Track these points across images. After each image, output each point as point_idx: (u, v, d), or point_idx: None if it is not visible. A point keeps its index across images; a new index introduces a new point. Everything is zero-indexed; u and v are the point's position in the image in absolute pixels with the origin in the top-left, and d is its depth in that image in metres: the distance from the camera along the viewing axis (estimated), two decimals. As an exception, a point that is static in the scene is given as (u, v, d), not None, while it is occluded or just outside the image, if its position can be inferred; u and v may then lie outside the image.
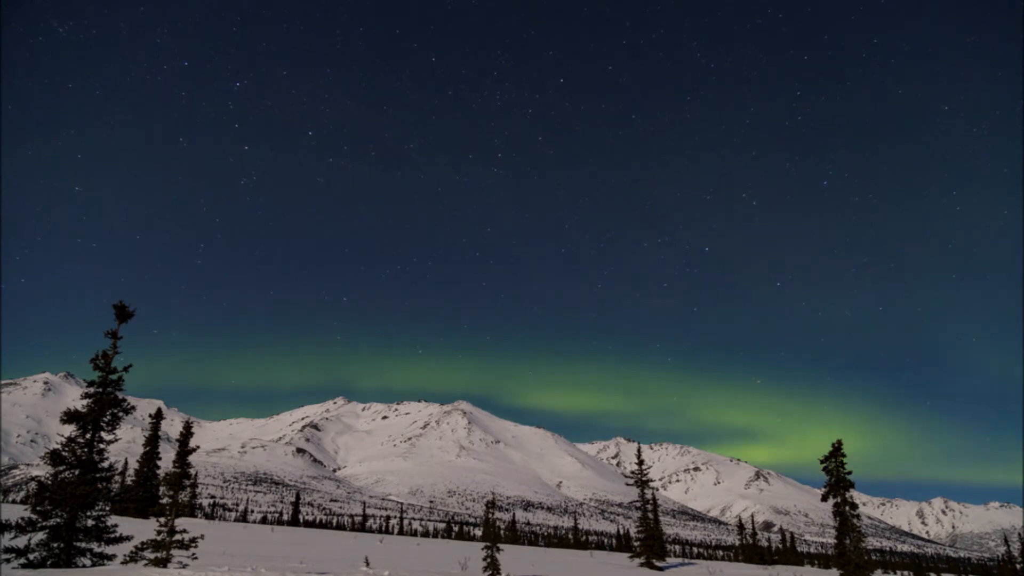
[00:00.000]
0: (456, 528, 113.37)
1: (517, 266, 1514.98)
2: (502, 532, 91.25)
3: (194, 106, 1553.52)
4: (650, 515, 41.96)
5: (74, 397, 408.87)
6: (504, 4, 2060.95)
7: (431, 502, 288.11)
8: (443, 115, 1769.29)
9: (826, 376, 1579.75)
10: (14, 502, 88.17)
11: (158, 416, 50.50)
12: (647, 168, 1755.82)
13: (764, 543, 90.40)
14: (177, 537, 14.97)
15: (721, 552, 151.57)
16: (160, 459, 50.41)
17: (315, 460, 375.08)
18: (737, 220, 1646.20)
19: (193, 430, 43.96)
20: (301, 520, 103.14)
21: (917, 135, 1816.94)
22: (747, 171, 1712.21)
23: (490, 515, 23.81)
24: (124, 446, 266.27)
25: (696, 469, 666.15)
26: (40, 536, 14.42)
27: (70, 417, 15.20)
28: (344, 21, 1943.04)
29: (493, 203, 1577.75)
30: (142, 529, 25.21)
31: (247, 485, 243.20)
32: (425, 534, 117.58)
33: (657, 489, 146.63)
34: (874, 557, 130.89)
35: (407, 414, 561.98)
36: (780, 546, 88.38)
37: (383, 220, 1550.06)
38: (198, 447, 32.69)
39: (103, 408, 15.33)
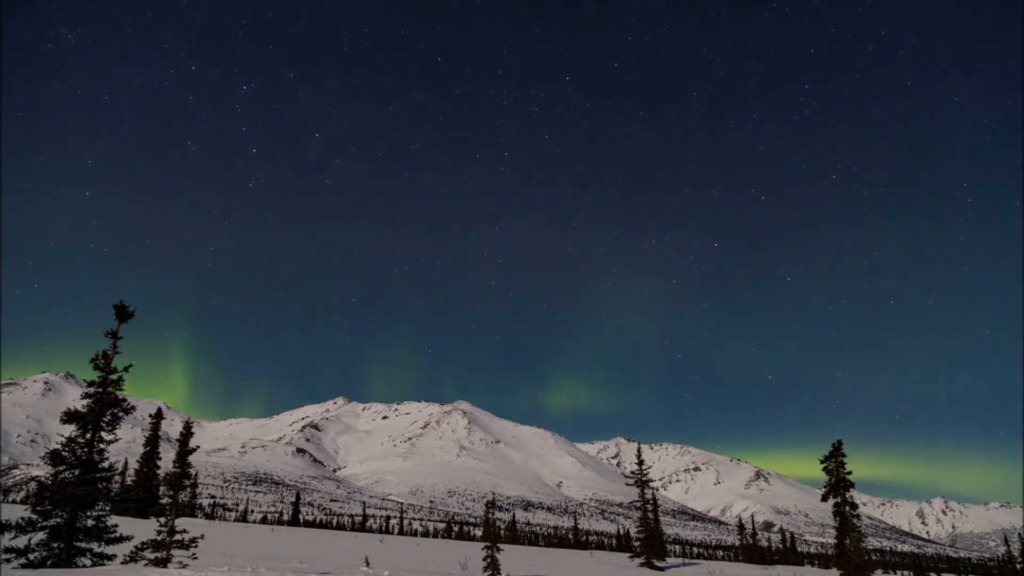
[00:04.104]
0: (456, 528, 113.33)
1: (524, 265, 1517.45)
2: (502, 532, 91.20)
3: (202, 110, 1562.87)
4: (650, 515, 41.93)
5: (74, 397, 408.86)
6: (509, 3, 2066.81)
7: (431, 502, 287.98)
8: (449, 115, 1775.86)
9: (837, 371, 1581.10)
10: (14, 502, 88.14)
11: (158, 416, 50.46)
12: (654, 165, 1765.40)
13: (764, 543, 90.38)
14: (177, 537, 14.96)
15: (721, 552, 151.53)
16: (160, 459, 50.36)
17: (315, 460, 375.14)
18: (746, 215, 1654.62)
19: (193, 430, 43.91)
20: (301, 520, 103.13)
21: (927, 127, 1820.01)
22: (755, 166, 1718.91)
23: (490, 515, 23.80)
24: (124, 446, 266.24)
25: (696, 469, 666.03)
26: (40, 536, 14.41)
27: (70, 417, 15.19)
28: (349, 22, 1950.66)
29: (500, 202, 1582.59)
30: (142, 529, 25.20)
31: (247, 485, 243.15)
32: (425, 534, 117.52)
33: (657, 489, 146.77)
34: (874, 557, 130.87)
35: (407, 414, 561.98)
36: (780, 546, 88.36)
37: (390, 220, 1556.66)
38: (198, 447, 32.67)
39: (103, 408, 15.32)
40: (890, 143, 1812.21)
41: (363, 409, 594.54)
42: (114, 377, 15.72)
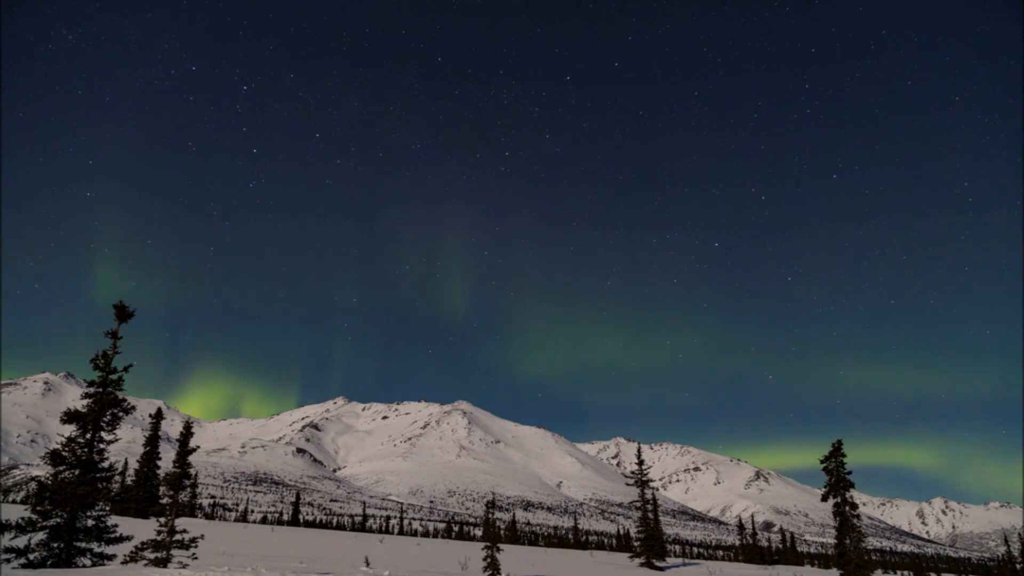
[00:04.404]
0: (456, 528, 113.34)
1: (526, 265, 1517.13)
2: (502, 532, 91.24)
3: (202, 110, 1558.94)
4: (650, 515, 41.93)
5: (74, 397, 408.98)
6: (509, 3, 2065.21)
7: (431, 502, 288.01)
8: (450, 114, 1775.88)
9: (837, 371, 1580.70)
10: (14, 502, 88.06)
11: (158, 416, 50.47)
12: (655, 164, 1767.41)
13: (764, 543, 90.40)
14: (177, 537, 14.96)
15: (721, 552, 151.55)
16: (160, 459, 50.37)
17: (315, 460, 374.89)
18: (746, 215, 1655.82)
19: (193, 430, 43.90)
20: (301, 520, 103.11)
21: (927, 126, 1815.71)
22: (756, 165, 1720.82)
23: (490, 515, 23.82)
24: (124, 446, 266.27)
25: (696, 469, 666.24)
26: (40, 536, 14.42)
27: (70, 417, 15.19)
28: (350, 22, 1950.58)
29: (500, 202, 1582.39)
30: (142, 529, 25.20)
31: (247, 485, 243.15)
32: (425, 534, 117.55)
33: (657, 489, 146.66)
34: (874, 557, 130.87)
35: (407, 414, 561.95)
36: (780, 546, 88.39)
37: (391, 221, 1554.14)
38: (198, 447, 32.67)
39: (103, 408, 15.33)
40: (891, 142, 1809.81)
41: (363, 409, 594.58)
42: (114, 377, 15.73)
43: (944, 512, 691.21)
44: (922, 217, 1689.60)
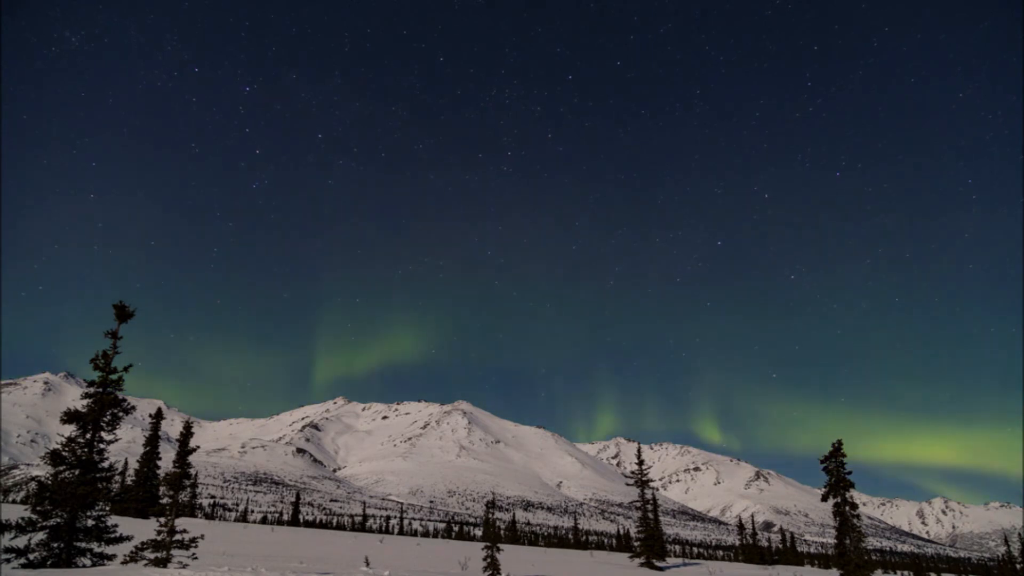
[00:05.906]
0: (456, 528, 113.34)
1: (528, 264, 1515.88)
2: (502, 532, 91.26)
3: (205, 112, 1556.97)
4: (650, 515, 41.93)
5: (74, 397, 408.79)
6: (511, 3, 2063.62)
7: (431, 502, 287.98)
8: (451, 114, 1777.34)
9: (842, 369, 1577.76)
10: (14, 502, 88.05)
11: (158, 416, 50.47)
12: (657, 163, 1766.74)
13: (764, 543, 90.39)
14: (177, 537, 14.96)
15: (721, 552, 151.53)
16: (160, 459, 50.36)
17: (315, 460, 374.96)
18: (749, 213, 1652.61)
19: (193, 430, 43.85)
20: (301, 520, 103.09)
21: (931, 124, 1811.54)
22: (758, 163, 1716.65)
23: (490, 515, 23.82)
24: (124, 446, 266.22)
25: (696, 469, 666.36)
26: (40, 536, 14.41)
27: (70, 417, 15.19)
28: (351, 23, 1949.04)
29: (502, 201, 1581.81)
30: (142, 529, 25.19)
31: (247, 485, 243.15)
32: (425, 534, 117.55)
33: (657, 489, 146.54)
34: (874, 557, 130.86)
35: (407, 414, 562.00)
36: (780, 546, 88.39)
37: (393, 220, 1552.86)
38: (198, 447, 32.67)
39: (103, 408, 15.33)
40: (894, 140, 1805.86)
41: (363, 409, 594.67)
42: (114, 377, 15.72)
43: (944, 512, 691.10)
44: (925, 215, 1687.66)
